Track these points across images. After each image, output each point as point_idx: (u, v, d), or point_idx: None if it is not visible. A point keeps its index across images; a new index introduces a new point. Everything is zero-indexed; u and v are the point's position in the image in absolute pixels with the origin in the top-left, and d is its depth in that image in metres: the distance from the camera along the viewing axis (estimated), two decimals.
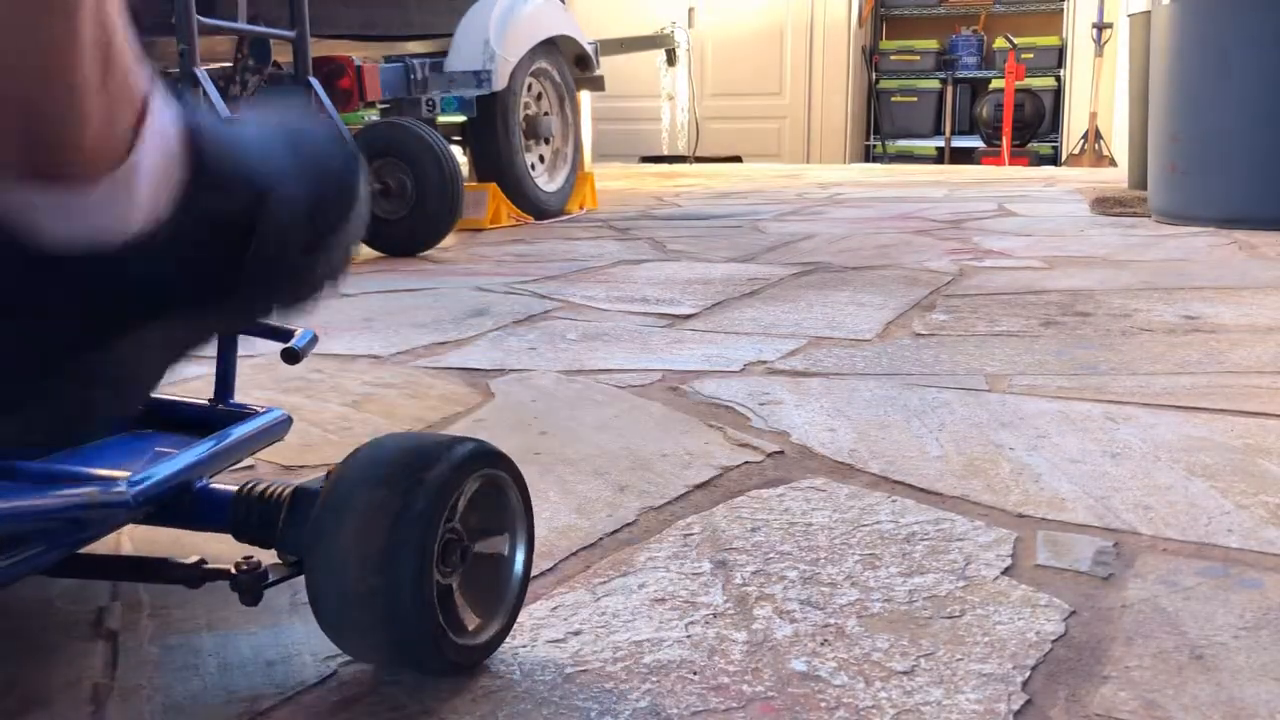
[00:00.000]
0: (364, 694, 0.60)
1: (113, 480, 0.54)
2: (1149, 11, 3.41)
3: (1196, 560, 0.77)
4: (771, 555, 0.78)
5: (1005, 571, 0.75)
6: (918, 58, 8.46)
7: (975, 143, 8.30)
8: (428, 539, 0.56)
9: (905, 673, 0.62)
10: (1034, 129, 8.09)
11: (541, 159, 3.77)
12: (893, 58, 8.50)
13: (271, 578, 0.59)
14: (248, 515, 0.63)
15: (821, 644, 0.65)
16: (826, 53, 8.36)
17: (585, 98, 5.05)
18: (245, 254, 0.59)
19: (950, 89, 8.41)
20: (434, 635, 0.57)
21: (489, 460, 0.61)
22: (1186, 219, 3.04)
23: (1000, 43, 8.01)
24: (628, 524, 0.85)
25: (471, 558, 0.61)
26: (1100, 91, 7.36)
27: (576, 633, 0.67)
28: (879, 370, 1.34)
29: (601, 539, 0.82)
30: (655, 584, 0.74)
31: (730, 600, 0.71)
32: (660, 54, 6.16)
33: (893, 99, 8.55)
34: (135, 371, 0.58)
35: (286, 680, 0.62)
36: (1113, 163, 7.03)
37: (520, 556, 0.64)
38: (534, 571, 0.76)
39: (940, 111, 8.46)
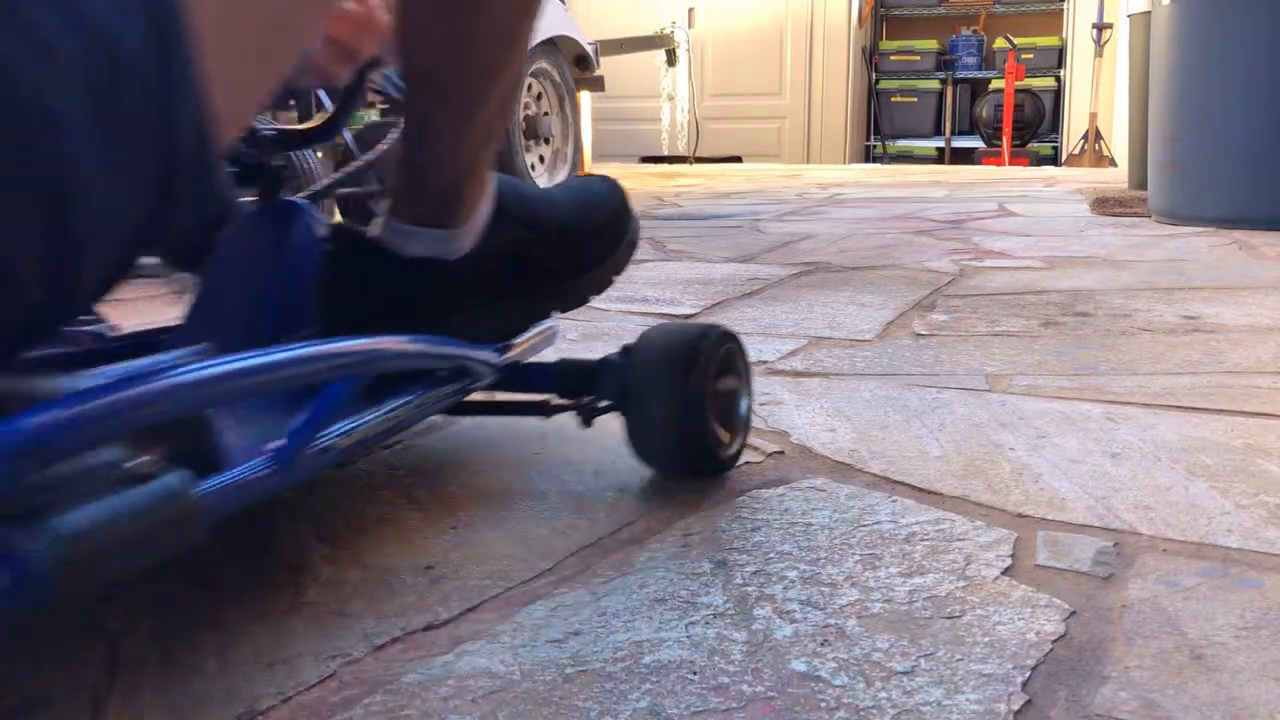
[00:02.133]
0: (364, 694, 0.60)
1: (493, 356, 0.91)
2: (1149, 11, 3.41)
3: (1196, 560, 0.77)
4: (771, 555, 0.78)
5: (1005, 572, 0.75)
6: (918, 58, 8.47)
7: (975, 143, 8.31)
8: (705, 385, 0.90)
9: (905, 673, 0.62)
10: (1034, 129, 8.09)
11: (541, 159, 3.78)
12: (893, 58, 8.50)
13: (593, 417, 0.95)
14: (568, 378, 0.96)
15: (821, 644, 0.65)
16: (826, 53, 8.36)
17: (585, 98, 5.05)
18: (529, 272, 0.92)
19: (950, 89, 8.42)
20: (711, 447, 0.92)
21: (730, 337, 0.96)
22: (1186, 219, 3.04)
23: (1000, 43, 8.02)
24: (628, 524, 0.85)
25: (722, 397, 0.94)
26: (1100, 92, 7.36)
27: (576, 633, 0.67)
28: (879, 370, 1.34)
29: (602, 539, 0.82)
30: (655, 584, 0.74)
31: (730, 600, 0.71)
32: (660, 54, 6.16)
33: (893, 99, 8.55)
34: (490, 327, 0.92)
35: (286, 680, 0.62)
36: (1113, 163, 7.03)
37: (745, 397, 0.98)
38: (534, 572, 0.76)
39: (940, 112, 8.46)
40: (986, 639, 0.65)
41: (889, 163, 8.21)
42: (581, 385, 0.95)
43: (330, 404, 0.66)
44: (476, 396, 0.94)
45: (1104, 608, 0.69)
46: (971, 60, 8.37)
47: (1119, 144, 6.44)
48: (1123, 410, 1.14)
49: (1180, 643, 0.65)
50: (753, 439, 1.06)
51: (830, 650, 0.64)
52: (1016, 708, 0.58)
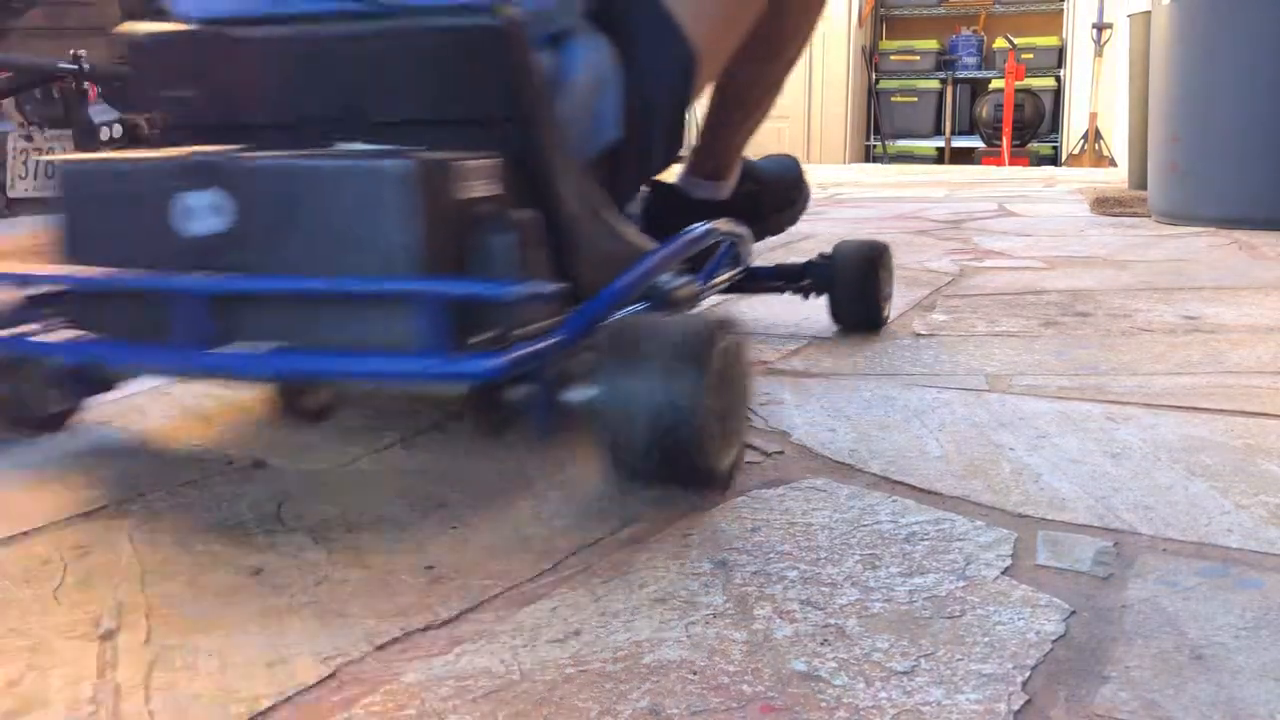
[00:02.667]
0: (364, 694, 0.60)
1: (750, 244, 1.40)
2: (1149, 11, 3.41)
3: (1196, 560, 0.77)
4: (771, 555, 0.78)
5: (1005, 571, 0.75)
6: (918, 58, 8.46)
7: (975, 143, 8.30)
8: (879, 274, 1.51)
9: (905, 673, 0.62)
10: (1034, 129, 8.09)
11: None
12: (893, 58, 8.49)
13: (809, 294, 1.52)
14: (789, 273, 1.51)
15: (821, 644, 0.65)
16: (826, 53, 8.35)
17: None
18: (753, 210, 1.47)
19: (950, 89, 8.41)
20: (879, 312, 1.53)
21: (887, 247, 1.53)
22: (1186, 219, 3.04)
23: (1000, 43, 8.01)
24: (628, 524, 0.85)
25: (883, 282, 1.55)
26: (1100, 91, 7.36)
27: (576, 633, 0.67)
28: (879, 370, 1.34)
29: (601, 539, 0.82)
30: (655, 584, 0.74)
31: (730, 600, 0.71)
32: None
33: (893, 99, 8.55)
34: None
35: (286, 680, 0.62)
36: (1113, 163, 7.03)
37: (889, 283, 1.58)
38: (534, 572, 0.76)
39: (940, 111, 8.46)
40: (986, 639, 0.65)
41: (889, 162, 8.20)
42: (799, 276, 1.51)
43: (722, 258, 1.31)
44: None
45: (1104, 608, 0.69)
46: (971, 60, 8.36)
47: (1119, 144, 6.44)
48: (1123, 410, 1.14)
49: (1180, 643, 0.65)
50: (753, 439, 1.06)
51: (830, 650, 0.64)
52: (1016, 708, 0.58)
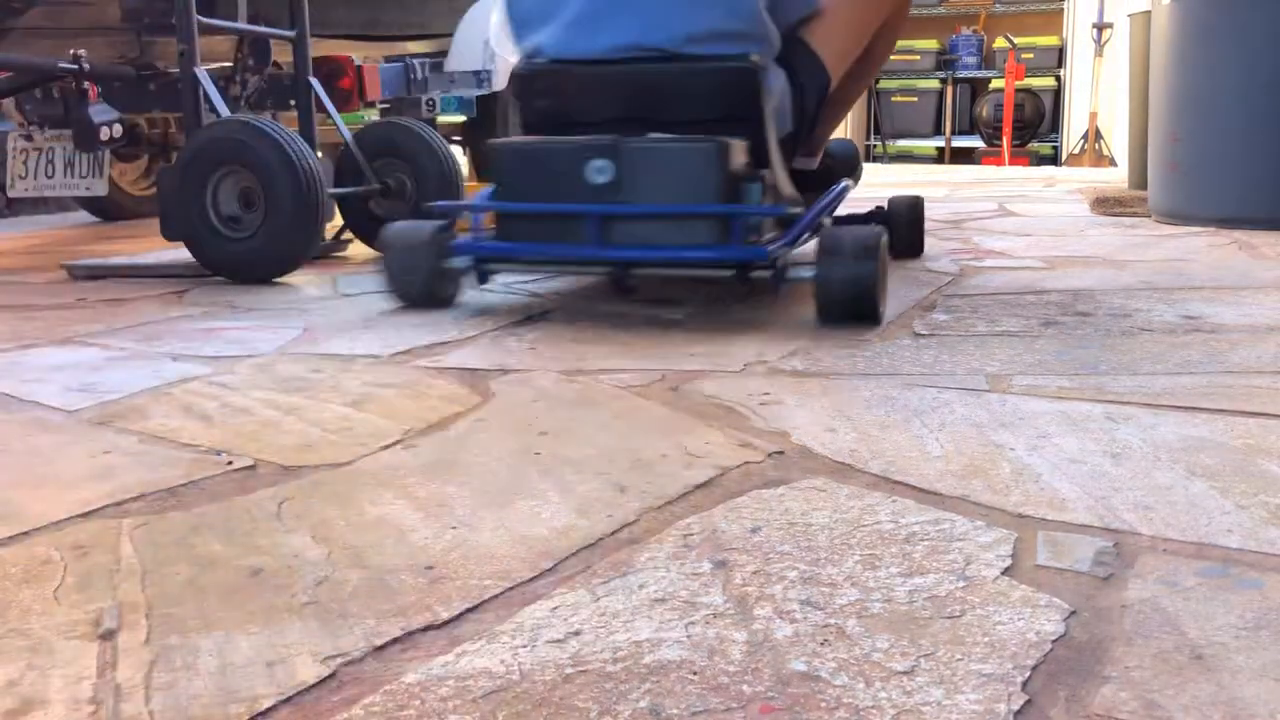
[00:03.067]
0: (364, 694, 0.60)
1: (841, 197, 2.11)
2: (1149, 11, 3.41)
3: (1196, 560, 0.77)
4: (771, 555, 0.78)
5: (1005, 572, 0.75)
6: (918, 58, 8.46)
7: (975, 143, 8.30)
8: (919, 219, 2.37)
9: (905, 673, 0.62)
10: (1034, 129, 8.09)
11: None
12: (893, 58, 8.48)
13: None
14: (861, 218, 2.14)
15: (821, 644, 0.65)
16: None
17: None
18: (827, 177, 2.16)
19: (950, 89, 8.41)
20: (920, 248, 2.38)
21: (921, 200, 2.37)
22: (1186, 219, 3.04)
23: (1000, 43, 8.01)
24: (628, 524, 0.85)
25: (920, 223, 2.41)
26: (1100, 91, 7.36)
27: (576, 633, 0.67)
28: (879, 370, 1.34)
29: (602, 539, 0.82)
30: (655, 584, 0.74)
31: (730, 600, 0.71)
32: None
33: (893, 99, 8.55)
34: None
35: (286, 680, 0.62)
36: (1113, 163, 7.03)
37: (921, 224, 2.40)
38: (534, 572, 0.76)
39: (940, 111, 8.46)
40: (986, 639, 0.65)
41: (889, 162, 8.20)
42: (869, 220, 2.11)
43: (833, 198, 1.91)
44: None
45: (1104, 608, 0.69)
46: (971, 60, 8.37)
47: (1119, 144, 6.44)
48: (1123, 410, 1.14)
49: (1180, 643, 0.65)
50: (752, 439, 1.06)
51: (830, 650, 0.64)
52: (1016, 708, 0.58)
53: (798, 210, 1.80)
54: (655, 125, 1.72)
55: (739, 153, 1.68)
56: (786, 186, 1.86)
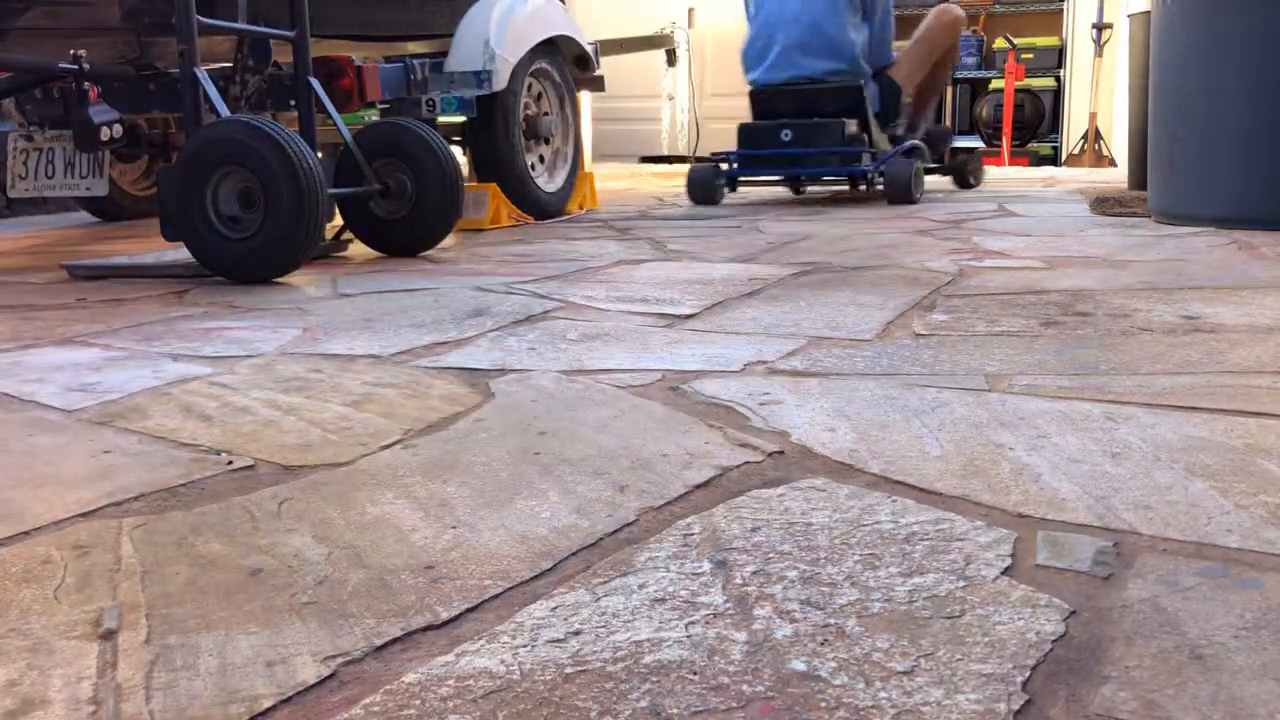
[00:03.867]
0: (364, 694, 0.60)
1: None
2: (1149, 11, 3.41)
3: (1196, 560, 0.77)
4: (771, 555, 0.78)
5: (1005, 571, 0.75)
6: None
7: (975, 143, 8.29)
8: (979, 163, 5.28)
9: (905, 673, 0.62)
10: (1034, 129, 8.08)
11: (541, 159, 3.77)
12: None
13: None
14: (932, 171, 4.89)
15: (821, 644, 0.65)
16: None
17: (585, 98, 5.03)
18: (931, 145, 4.79)
19: (950, 89, 8.40)
20: (969, 177, 5.14)
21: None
22: (1186, 219, 3.04)
23: (1000, 43, 8.01)
24: (628, 524, 0.85)
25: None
26: (1100, 91, 7.36)
27: (576, 633, 0.67)
28: (879, 370, 1.34)
29: (602, 539, 0.82)
30: (655, 584, 0.74)
31: (730, 600, 0.71)
32: (660, 54, 6.16)
33: None
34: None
35: (287, 680, 0.62)
36: (1113, 163, 7.03)
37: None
38: (534, 572, 0.76)
39: (940, 111, 8.45)
40: (986, 639, 0.65)
41: None
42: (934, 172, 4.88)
43: (899, 149, 4.31)
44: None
45: (1104, 608, 0.69)
46: (971, 60, 8.36)
47: (1119, 144, 6.44)
48: (1123, 410, 1.14)
49: (1180, 643, 0.65)
50: (753, 439, 1.06)
51: (830, 650, 0.64)
52: (1016, 708, 0.58)
53: (880, 150, 4.26)
54: (812, 114, 4.14)
55: (850, 127, 4.11)
56: (881, 143, 4.27)
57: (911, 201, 3.92)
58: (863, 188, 4.40)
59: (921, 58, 4.43)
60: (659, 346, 1.51)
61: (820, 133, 4.04)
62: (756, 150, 4.14)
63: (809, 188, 4.80)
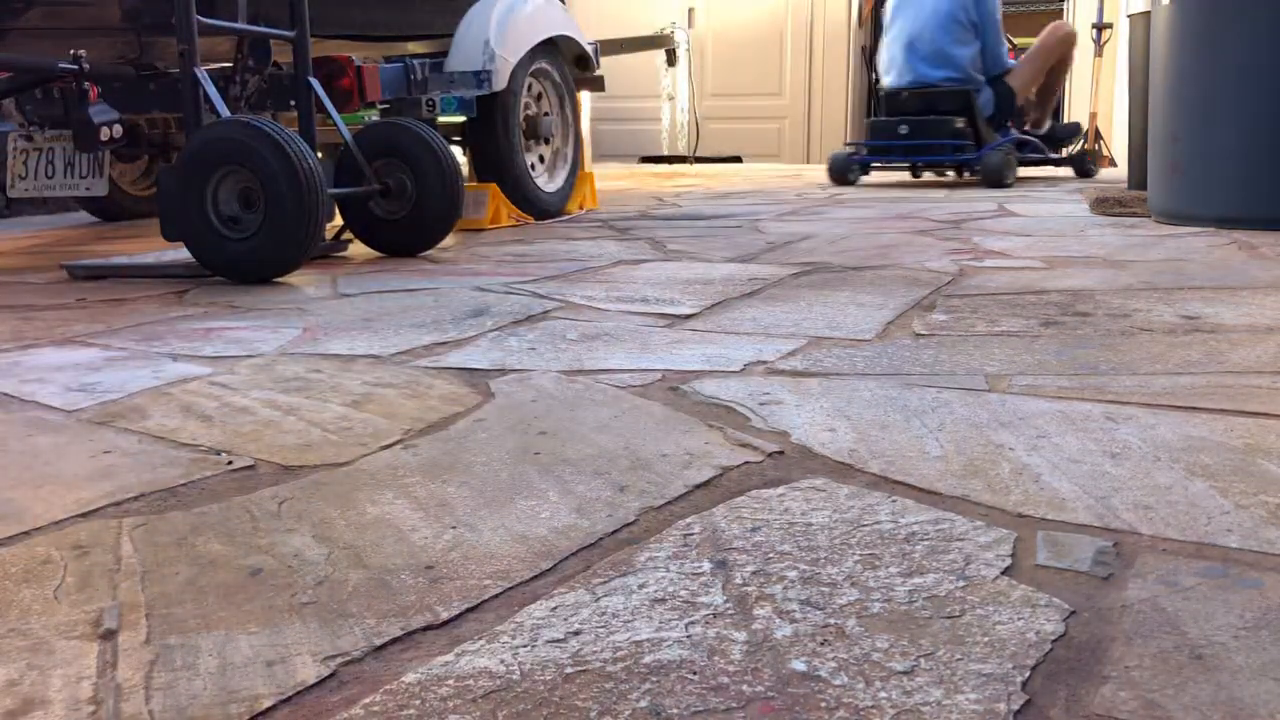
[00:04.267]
0: (364, 694, 0.60)
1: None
2: (1149, 11, 3.41)
3: (1196, 560, 0.77)
4: (771, 555, 0.78)
5: (1005, 571, 0.75)
6: None
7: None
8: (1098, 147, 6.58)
9: (905, 673, 0.62)
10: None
11: (541, 159, 3.77)
12: None
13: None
14: (1040, 163, 6.04)
15: (821, 644, 0.65)
16: (826, 53, 8.35)
17: (585, 98, 5.03)
18: (1054, 140, 6.04)
19: None
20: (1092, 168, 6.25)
21: None
22: (1186, 219, 3.04)
23: None
24: (628, 524, 0.85)
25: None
26: (1100, 92, 7.35)
27: (576, 633, 0.67)
28: (879, 370, 1.34)
29: (602, 539, 0.82)
30: (655, 584, 0.74)
31: (730, 600, 0.71)
32: (660, 54, 6.16)
33: None
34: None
35: (286, 680, 0.62)
36: (1113, 163, 7.03)
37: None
38: (534, 572, 0.76)
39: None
40: (986, 639, 0.65)
41: None
42: (1047, 163, 5.96)
43: (1000, 141, 5.43)
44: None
45: (1104, 608, 0.69)
46: None
47: (1119, 144, 6.44)
48: (1123, 410, 1.14)
49: (1180, 643, 0.65)
50: (753, 439, 1.06)
51: (830, 650, 0.64)
52: (1016, 708, 0.58)
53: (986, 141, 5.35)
54: (929, 113, 5.31)
55: (957, 123, 5.26)
56: (988, 136, 5.31)
57: (1004, 185, 5.03)
58: (966, 174, 5.51)
59: (1037, 67, 5.59)
60: (659, 346, 1.51)
61: (931, 127, 5.27)
62: (880, 141, 5.44)
63: (924, 173, 5.82)
